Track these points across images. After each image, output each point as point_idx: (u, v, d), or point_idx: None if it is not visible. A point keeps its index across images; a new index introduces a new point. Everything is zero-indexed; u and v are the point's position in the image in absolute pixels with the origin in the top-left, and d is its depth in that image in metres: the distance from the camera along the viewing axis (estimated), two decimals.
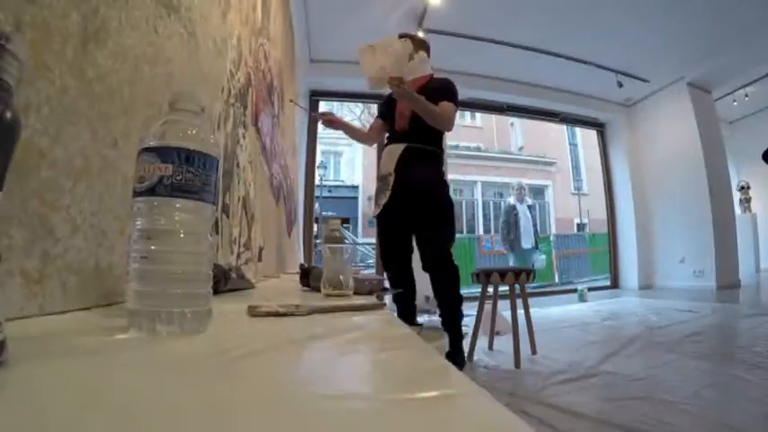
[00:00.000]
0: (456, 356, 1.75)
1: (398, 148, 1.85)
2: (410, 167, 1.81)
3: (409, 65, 1.82)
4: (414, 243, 1.91)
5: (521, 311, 2.00)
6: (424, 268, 1.81)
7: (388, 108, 1.99)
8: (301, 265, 1.09)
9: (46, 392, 0.21)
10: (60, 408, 0.19)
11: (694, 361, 1.68)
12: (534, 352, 1.97)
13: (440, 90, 1.83)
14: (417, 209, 1.79)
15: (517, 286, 2.04)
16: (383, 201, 1.85)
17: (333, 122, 2.01)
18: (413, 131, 1.83)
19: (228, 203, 1.11)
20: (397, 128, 1.90)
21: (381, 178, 1.91)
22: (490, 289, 2.10)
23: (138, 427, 0.18)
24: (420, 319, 2.97)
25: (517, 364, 1.77)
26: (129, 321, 0.35)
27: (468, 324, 1.98)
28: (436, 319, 3.30)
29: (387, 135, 2.01)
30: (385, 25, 3.56)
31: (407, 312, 1.92)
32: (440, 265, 1.79)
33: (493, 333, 2.20)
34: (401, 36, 1.87)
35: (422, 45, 1.96)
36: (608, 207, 5.49)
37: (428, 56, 1.98)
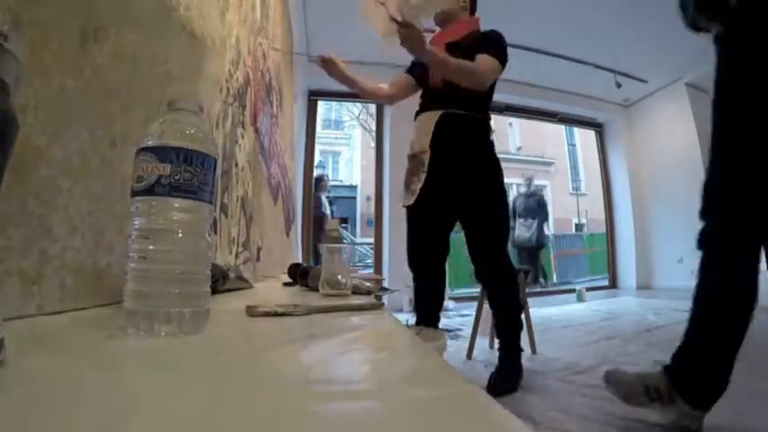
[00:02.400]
0: (507, 380, 1.41)
1: (434, 117, 1.43)
2: (451, 141, 1.40)
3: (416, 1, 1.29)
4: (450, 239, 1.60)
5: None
6: (477, 276, 1.52)
7: (418, 65, 1.57)
8: (294, 265, 1.09)
9: (44, 392, 0.21)
10: (58, 407, 0.19)
11: None
12: (534, 351, 1.98)
13: (482, 42, 1.42)
14: (471, 196, 1.41)
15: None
16: (417, 186, 1.45)
17: (333, 68, 1.60)
18: (448, 92, 1.41)
19: (227, 203, 1.11)
20: (431, 86, 1.49)
21: (413, 157, 1.51)
22: None
23: (136, 427, 0.18)
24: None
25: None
26: (128, 321, 0.35)
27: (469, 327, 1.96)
28: None
29: (420, 100, 1.58)
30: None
31: (429, 323, 1.55)
32: (494, 272, 1.45)
33: (493, 332, 2.20)
34: None
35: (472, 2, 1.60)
36: (606, 207, 5.50)
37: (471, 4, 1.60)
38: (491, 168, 1.45)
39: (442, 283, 1.61)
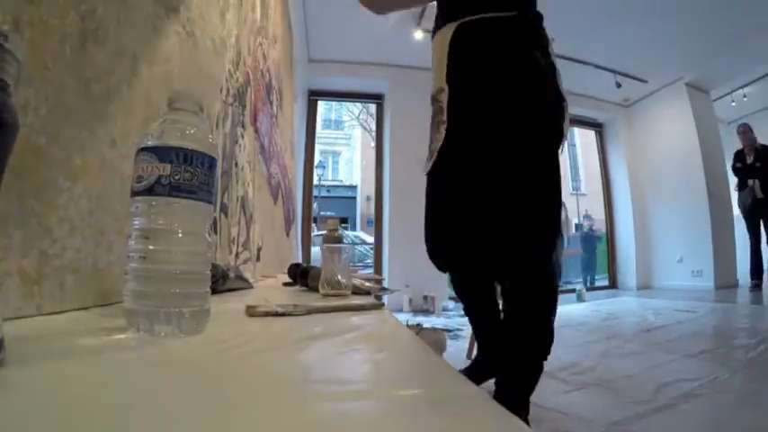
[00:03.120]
0: (521, 407, 0.99)
1: (449, 31, 0.98)
2: (476, 65, 0.93)
3: None
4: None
5: None
6: (499, 276, 1.08)
7: None
8: (294, 265, 1.08)
9: (44, 392, 0.21)
10: (58, 407, 0.19)
11: (693, 361, 1.69)
12: None
13: None
14: (493, 163, 0.92)
15: None
16: (436, 144, 1.00)
17: None
18: None
19: (227, 203, 1.11)
20: None
21: (432, 100, 1.05)
22: None
23: (137, 427, 0.18)
24: (419, 319, 2.97)
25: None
26: (128, 321, 0.35)
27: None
28: (436, 319, 3.31)
29: (437, 12, 1.08)
30: (384, 25, 3.56)
31: (488, 336, 1.19)
32: (527, 278, 0.96)
33: None
34: None
35: None
36: (606, 207, 5.50)
37: None
38: (545, 109, 0.91)
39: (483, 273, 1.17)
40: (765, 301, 3.44)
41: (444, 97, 0.98)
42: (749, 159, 4.08)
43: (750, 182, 4.01)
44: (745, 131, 4.11)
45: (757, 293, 3.79)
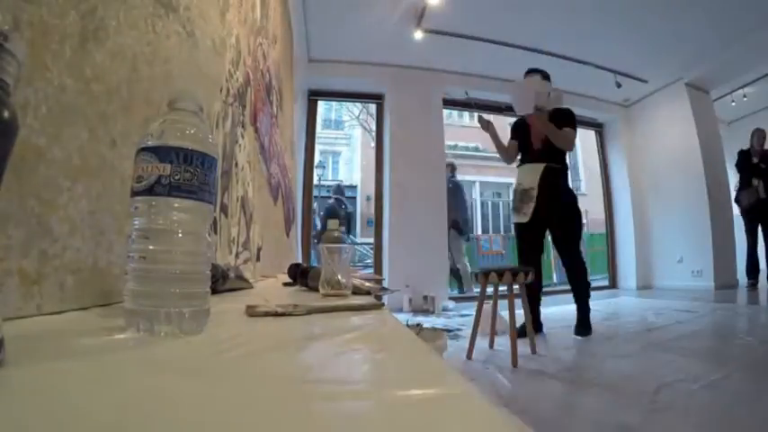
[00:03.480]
0: (583, 327, 2.33)
1: (539, 168, 2.37)
2: (552, 184, 2.34)
3: (549, 99, 2.36)
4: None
5: (520, 312, 2.00)
6: (564, 262, 2.44)
7: (519, 132, 2.54)
8: (294, 265, 1.08)
9: (44, 392, 0.21)
10: (58, 408, 0.19)
11: (693, 361, 1.69)
12: (534, 351, 1.98)
13: (563, 117, 2.35)
14: (562, 217, 2.35)
15: (516, 286, 2.04)
16: (529, 210, 2.36)
17: (492, 128, 2.53)
18: (547, 152, 2.36)
19: (227, 203, 1.11)
20: (534, 148, 2.43)
21: (524, 192, 2.41)
22: (490, 289, 2.10)
23: (137, 428, 0.18)
24: (419, 319, 2.98)
25: (514, 363, 1.77)
26: (128, 321, 0.35)
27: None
28: (436, 319, 3.31)
29: (519, 156, 2.54)
30: (384, 25, 3.56)
31: (537, 316, 2.46)
32: (576, 258, 2.39)
33: (493, 332, 2.20)
34: (531, 71, 2.45)
35: (548, 79, 2.45)
36: (606, 207, 5.50)
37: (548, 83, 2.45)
38: (574, 200, 2.43)
39: (540, 271, 2.45)
40: (765, 302, 3.44)
41: (535, 192, 2.37)
42: (754, 160, 4.11)
43: (755, 182, 4.03)
44: (762, 135, 4.23)
45: (755, 293, 3.79)
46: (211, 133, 0.67)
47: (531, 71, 2.46)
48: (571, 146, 2.37)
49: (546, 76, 2.44)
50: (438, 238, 4.12)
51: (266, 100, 1.79)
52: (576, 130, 2.38)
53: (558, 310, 3.59)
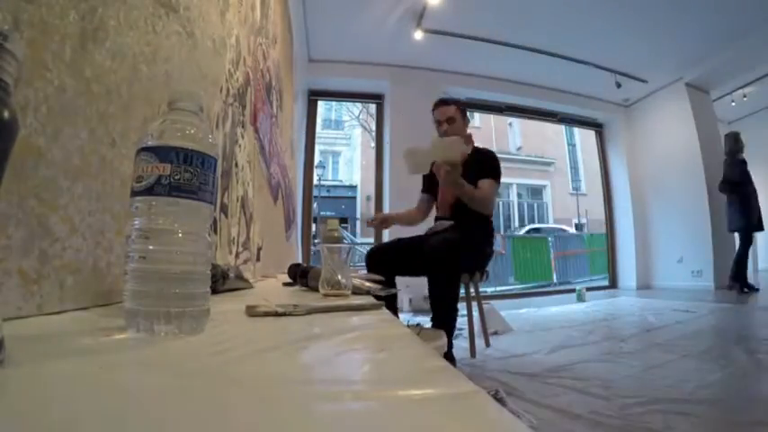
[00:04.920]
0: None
1: (447, 224, 1.84)
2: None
3: (463, 149, 1.66)
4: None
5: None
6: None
7: (431, 183, 2.02)
8: (294, 265, 1.08)
9: (44, 392, 0.21)
10: (58, 408, 0.19)
11: (693, 361, 1.68)
12: (488, 345, 2.11)
13: (483, 164, 1.80)
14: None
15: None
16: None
17: (387, 221, 2.08)
18: (463, 209, 1.77)
19: (227, 203, 1.11)
20: (445, 203, 1.91)
21: (438, 218, 1.98)
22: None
23: (136, 428, 0.18)
24: (419, 319, 2.98)
25: (473, 354, 1.93)
26: (127, 321, 0.35)
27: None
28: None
29: (437, 210, 2.02)
30: (384, 25, 3.56)
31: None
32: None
33: (487, 331, 2.23)
34: (441, 101, 1.92)
35: (464, 113, 1.94)
36: (606, 207, 5.50)
37: (465, 121, 1.95)
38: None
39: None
40: (765, 302, 3.44)
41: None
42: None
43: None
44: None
45: (754, 294, 3.79)
46: (211, 133, 0.67)
47: (441, 102, 1.92)
48: (488, 206, 1.76)
49: (462, 111, 1.93)
50: None
51: (266, 100, 1.79)
52: (497, 179, 1.78)
53: (559, 310, 3.60)
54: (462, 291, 2.17)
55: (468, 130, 1.99)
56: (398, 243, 1.92)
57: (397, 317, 1.89)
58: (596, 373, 1.59)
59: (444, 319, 1.67)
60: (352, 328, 0.47)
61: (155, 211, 0.36)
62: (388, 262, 1.84)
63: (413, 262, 1.78)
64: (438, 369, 0.29)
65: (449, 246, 1.60)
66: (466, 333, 2.10)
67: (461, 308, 1.82)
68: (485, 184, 1.74)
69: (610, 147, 5.46)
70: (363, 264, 2.03)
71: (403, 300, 3.76)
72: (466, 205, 1.73)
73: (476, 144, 1.92)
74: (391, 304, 1.85)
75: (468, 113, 1.98)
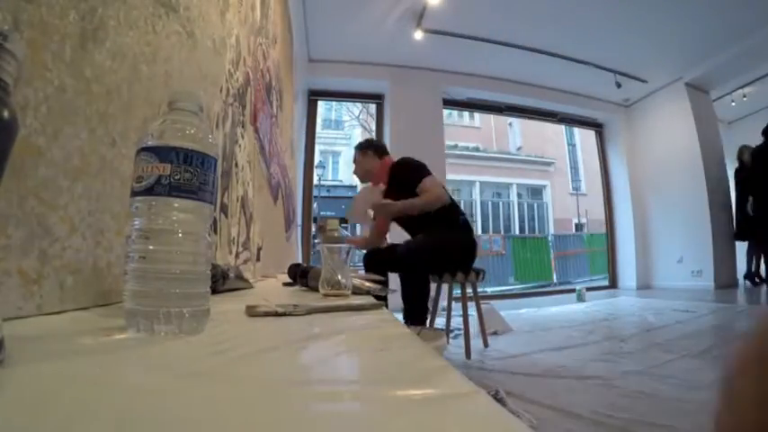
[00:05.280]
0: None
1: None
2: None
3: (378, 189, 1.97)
4: None
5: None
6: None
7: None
8: (294, 265, 1.08)
9: (44, 392, 0.21)
10: (58, 408, 0.19)
11: (693, 361, 1.69)
12: (486, 345, 2.09)
13: (403, 177, 1.90)
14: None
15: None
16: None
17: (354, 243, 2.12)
18: (419, 219, 1.86)
19: (227, 203, 1.11)
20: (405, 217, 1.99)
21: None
22: (469, 289, 2.13)
23: (136, 428, 0.18)
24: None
25: (468, 355, 1.91)
26: (127, 321, 0.35)
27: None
28: (436, 319, 3.32)
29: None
30: (384, 25, 3.56)
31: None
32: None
33: (485, 331, 2.23)
34: (361, 146, 2.07)
35: (367, 148, 2.06)
36: (606, 207, 5.50)
37: (377, 155, 2.04)
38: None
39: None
40: (765, 301, 3.44)
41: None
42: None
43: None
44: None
45: (755, 293, 3.79)
46: (211, 133, 0.67)
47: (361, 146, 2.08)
48: (435, 202, 1.80)
49: (365, 147, 2.07)
50: None
51: (266, 100, 1.79)
52: (427, 175, 1.86)
53: (559, 310, 3.59)
54: (458, 291, 2.18)
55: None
56: (394, 246, 2.02)
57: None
58: (596, 372, 1.59)
59: (410, 316, 1.79)
60: (352, 328, 0.47)
61: (155, 211, 0.36)
62: (383, 263, 1.93)
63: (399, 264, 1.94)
64: (438, 369, 0.29)
65: (409, 250, 1.77)
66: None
67: (460, 308, 1.84)
68: (421, 186, 1.82)
69: (610, 147, 5.46)
70: (362, 264, 2.04)
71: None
72: (411, 217, 1.87)
73: (411, 158, 2.00)
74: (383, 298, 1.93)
75: (375, 146, 2.09)
